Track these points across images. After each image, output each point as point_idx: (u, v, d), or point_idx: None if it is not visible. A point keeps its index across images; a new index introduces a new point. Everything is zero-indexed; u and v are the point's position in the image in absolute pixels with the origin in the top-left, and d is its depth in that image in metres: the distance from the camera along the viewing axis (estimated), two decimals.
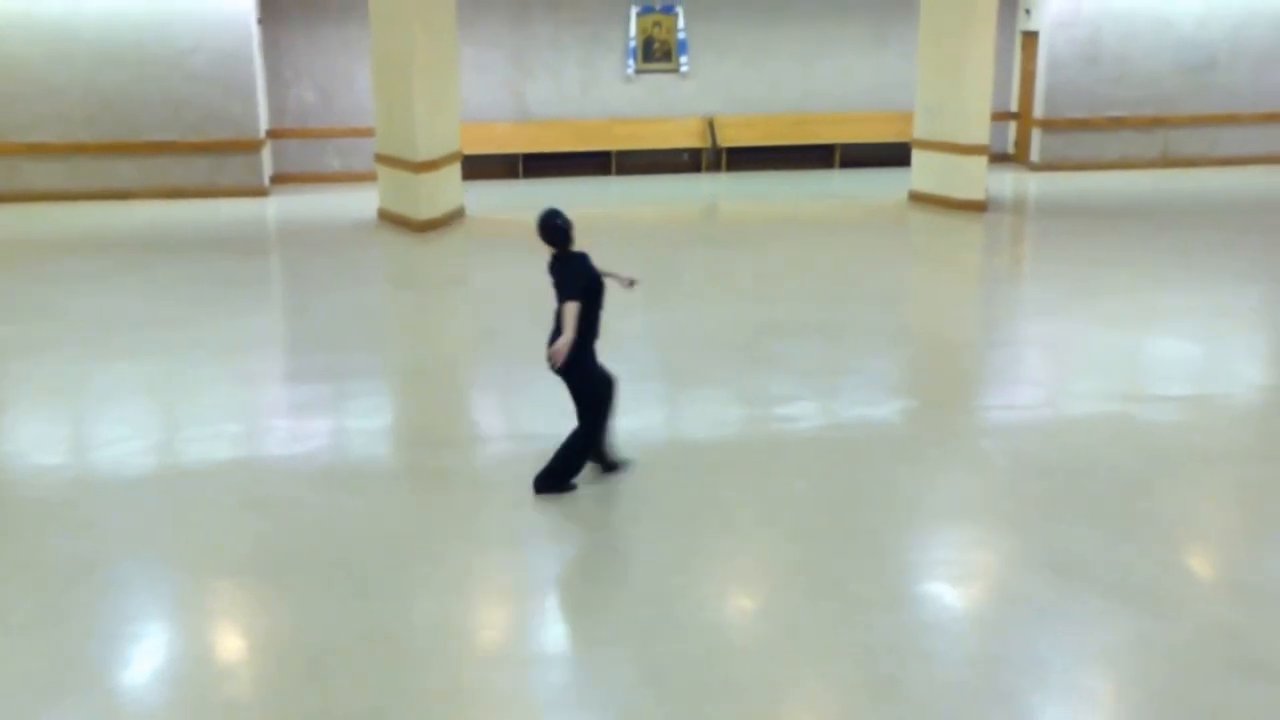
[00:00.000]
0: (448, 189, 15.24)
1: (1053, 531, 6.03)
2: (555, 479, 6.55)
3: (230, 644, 5.22)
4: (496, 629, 5.30)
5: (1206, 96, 19.49)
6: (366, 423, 7.87)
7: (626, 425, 7.71)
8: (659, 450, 7.20)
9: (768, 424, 7.69)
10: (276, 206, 16.66)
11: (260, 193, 17.43)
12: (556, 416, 7.87)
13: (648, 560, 5.77)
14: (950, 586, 5.55)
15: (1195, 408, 7.94)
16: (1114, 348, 9.37)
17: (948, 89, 15.76)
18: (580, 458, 6.60)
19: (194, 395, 8.40)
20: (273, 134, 18.34)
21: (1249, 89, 19.60)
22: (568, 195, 17.77)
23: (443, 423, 7.95)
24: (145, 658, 5.00)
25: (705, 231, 15.69)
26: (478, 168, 18.66)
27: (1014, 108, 20.42)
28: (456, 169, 15.57)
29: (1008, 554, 5.84)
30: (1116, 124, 19.38)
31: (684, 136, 19.45)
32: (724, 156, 19.60)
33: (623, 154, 19.33)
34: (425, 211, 14.62)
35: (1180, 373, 8.80)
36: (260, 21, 17.77)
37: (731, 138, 19.47)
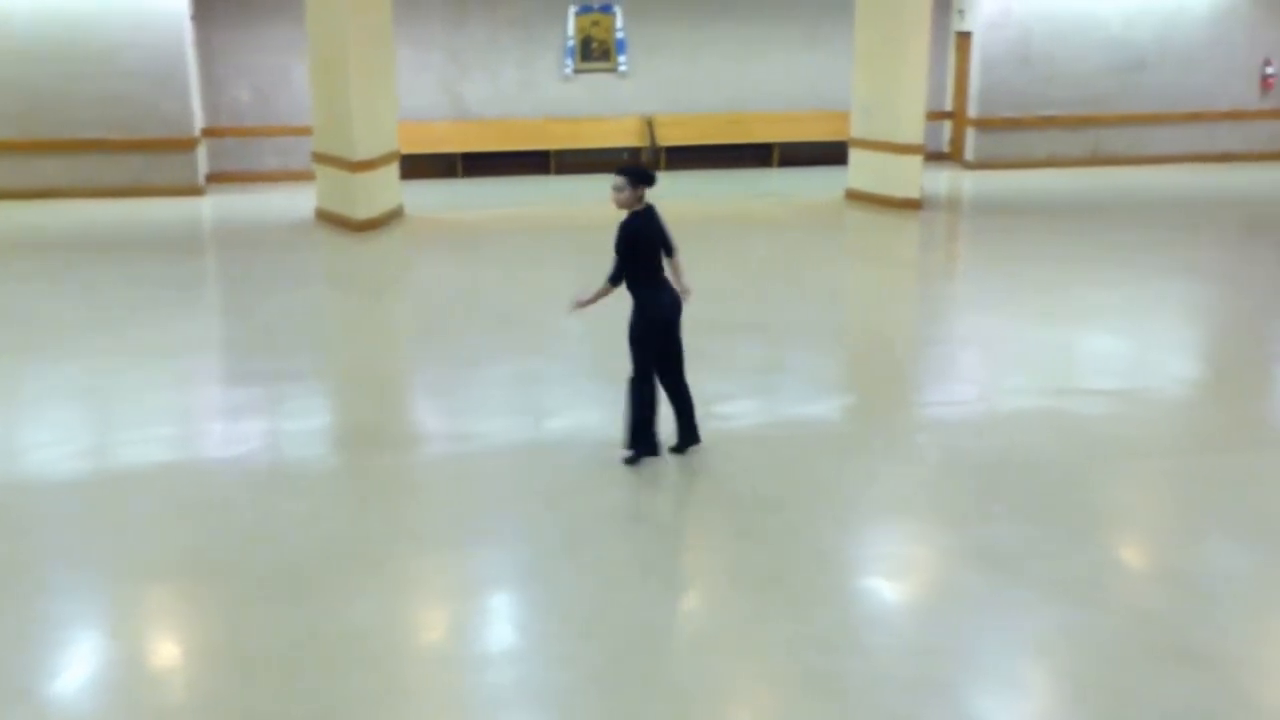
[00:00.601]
0: (386, 188, 15.12)
1: (987, 525, 6.11)
2: (632, 436, 6.73)
3: (164, 650, 5.14)
4: (437, 630, 5.27)
5: (1135, 96, 19.85)
6: (304, 424, 7.79)
7: (562, 426, 7.71)
8: (597, 450, 7.21)
9: (706, 422, 7.70)
10: (212, 206, 16.43)
11: (195, 192, 17.18)
12: (495, 416, 7.84)
13: (587, 560, 5.76)
14: (887, 581, 5.60)
15: (1125, 401, 8.09)
16: (1046, 343, 9.51)
17: (883, 88, 15.90)
18: (639, 408, 6.67)
19: (129, 398, 8.26)
20: (208, 132, 18.08)
21: (1176, 89, 19.99)
22: (507, 194, 17.74)
23: (382, 424, 7.90)
24: (76, 665, 4.92)
25: None
26: (416, 167, 18.53)
27: (949, 107, 20.66)
28: (394, 168, 15.45)
29: (944, 548, 5.91)
30: (1048, 123, 19.68)
31: (623, 135, 19.46)
32: (663, 155, 19.63)
33: (562, 153, 19.30)
34: (363, 211, 14.50)
35: (1111, 367, 8.96)
36: (194, 18, 17.52)
37: (670, 136, 19.51)
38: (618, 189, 6.71)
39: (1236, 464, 6.94)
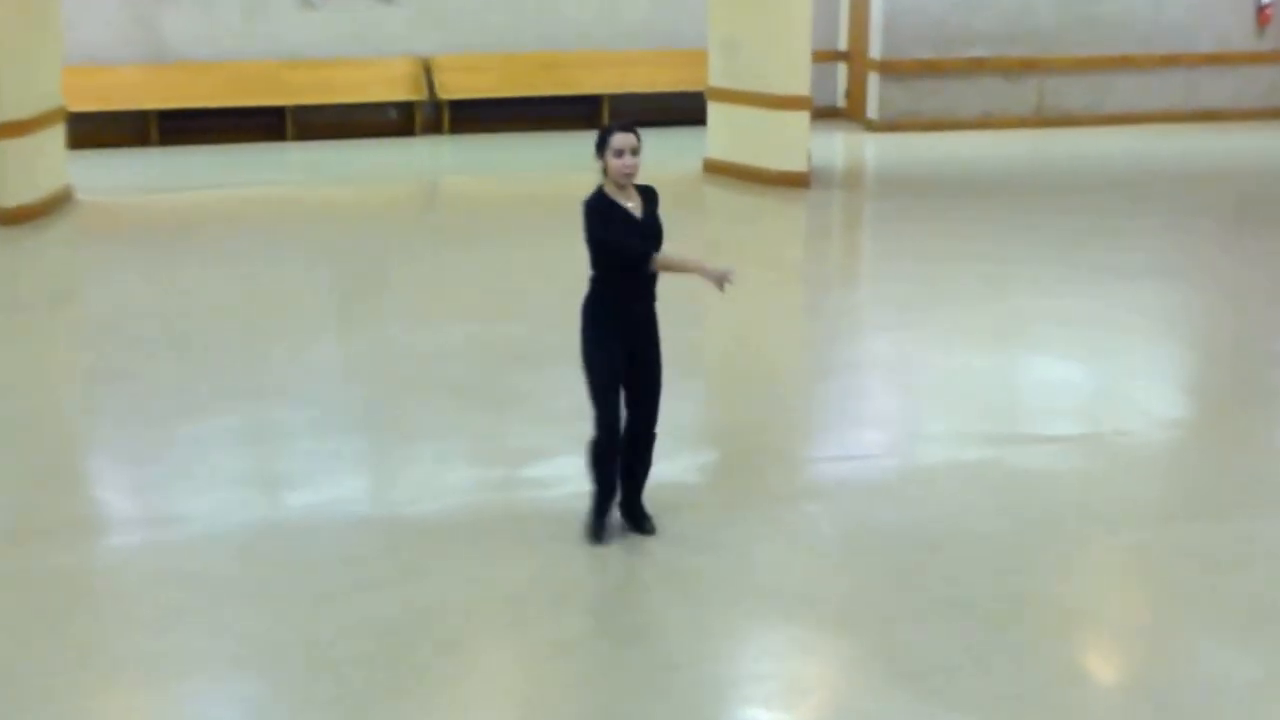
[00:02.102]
0: (46, 162, 14.76)
1: (901, 626, 6.22)
2: (594, 504, 7.01)
3: None
4: None
5: (1091, 33, 20.52)
6: None
7: (309, 501, 7.63)
8: (359, 533, 7.13)
9: (511, 490, 7.71)
10: None
11: None
12: (212, 489, 7.71)
13: (331, 694, 5.71)
14: (765, 710, 5.67)
15: (1085, 451, 8.35)
16: (979, 373, 9.79)
17: (752, 18, 16.15)
18: (594, 466, 6.96)
19: None
20: None
21: (1144, 24, 20.75)
22: (225, 169, 17.46)
23: (50, 506, 7.69)
24: None
25: (421, 221, 15.66)
26: (92, 131, 18.11)
27: (843, 45, 21.14)
28: (59, 133, 15.11)
29: (842, 660, 6.00)
30: (977, 67, 20.24)
31: (390, 86, 19.39)
32: (446, 113, 19.61)
33: (303, 110, 19.10)
34: (12, 195, 14.12)
35: (1065, 405, 9.25)
36: None
37: (457, 86, 19.52)
38: (636, 152, 6.81)
39: (1232, 535, 7.19)
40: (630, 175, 6.79)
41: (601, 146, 6.78)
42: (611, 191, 6.83)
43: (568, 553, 6.93)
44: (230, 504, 7.56)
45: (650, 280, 6.90)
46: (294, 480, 7.99)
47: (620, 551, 6.95)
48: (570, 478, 7.89)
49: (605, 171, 6.81)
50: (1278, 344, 10.70)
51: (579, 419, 8.76)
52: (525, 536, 7.12)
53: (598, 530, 7.01)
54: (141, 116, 18.69)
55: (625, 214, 6.82)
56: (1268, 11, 21.14)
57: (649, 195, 6.95)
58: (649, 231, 6.87)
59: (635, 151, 6.78)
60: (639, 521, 7.12)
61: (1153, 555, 7.04)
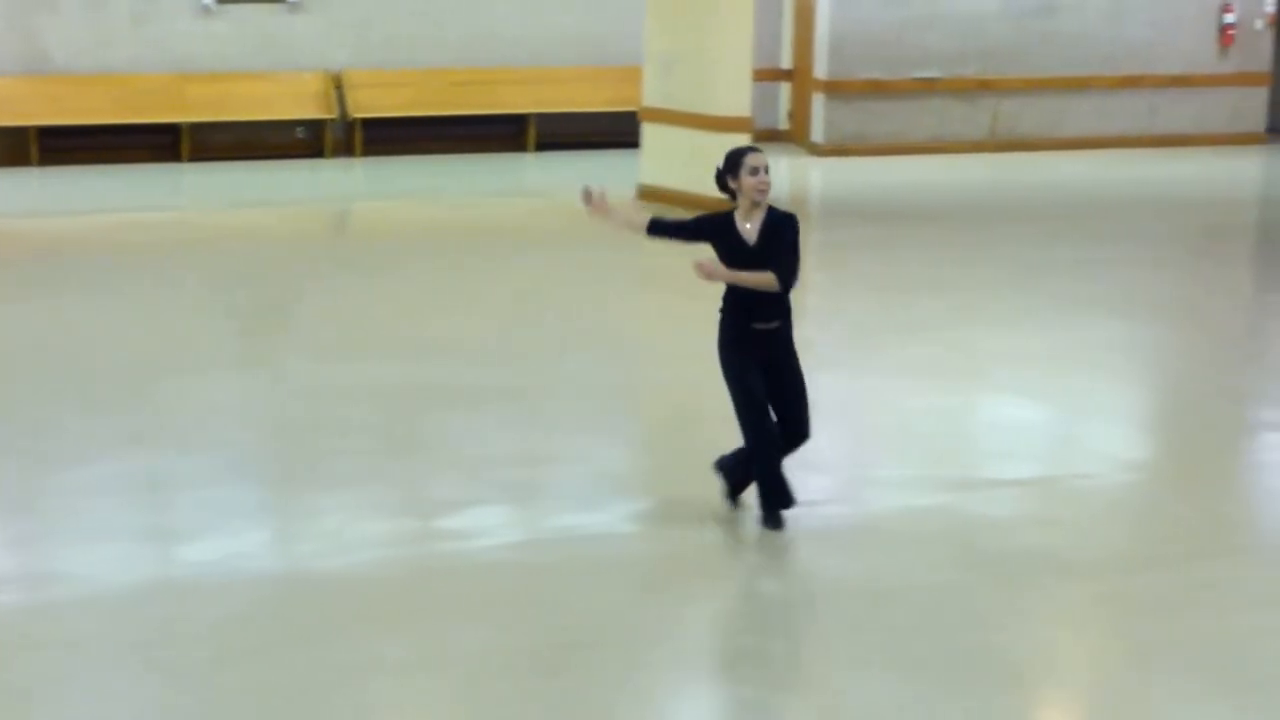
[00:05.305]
0: None
1: (849, 686, 6.20)
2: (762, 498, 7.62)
3: None
4: None
5: (1047, 53, 20.75)
6: None
7: (204, 557, 7.52)
8: (258, 591, 7.05)
9: (430, 544, 7.65)
10: None
11: None
12: (94, 542, 7.59)
13: None
14: None
15: (1044, 497, 8.39)
16: (931, 413, 9.81)
17: (690, 33, 16.19)
18: (758, 465, 7.58)
19: None
20: None
21: (1103, 44, 21.01)
22: (112, 191, 17.32)
23: None
24: None
25: (330, 250, 15.57)
26: None
27: (787, 64, 21.25)
28: None
29: None
30: (928, 88, 20.41)
31: (297, 102, 19.32)
32: (358, 133, 19.55)
33: (201, 128, 19.01)
34: None
35: (1022, 447, 9.30)
36: None
37: (369, 104, 19.46)
38: (769, 170, 7.35)
39: (1190, 582, 7.24)
40: (765, 193, 7.30)
41: (736, 166, 7.30)
42: (739, 215, 7.39)
43: (488, 611, 6.87)
44: (115, 560, 7.43)
45: (770, 301, 7.39)
46: (186, 533, 7.86)
47: (549, 611, 6.90)
48: (493, 529, 7.84)
49: (736, 193, 7.34)
50: (1240, 380, 10.79)
51: (503, 464, 8.74)
52: (443, 593, 7.05)
53: (781, 504, 7.61)
54: (19, 133, 18.50)
55: (740, 240, 7.35)
56: (1230, 31, 21.44)
57: (781, 222, 7.40)
58: (762, 258, 7.31)
59: (768, 169, 7.32)
60: (735, 497, 7.82)
61: (1110, 605, 7.07)
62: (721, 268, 7.35)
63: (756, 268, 7.29)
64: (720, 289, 7.43)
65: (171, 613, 6.83)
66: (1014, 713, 6.07)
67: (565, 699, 6.11)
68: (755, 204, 7.31)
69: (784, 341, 7.52)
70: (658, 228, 7.66)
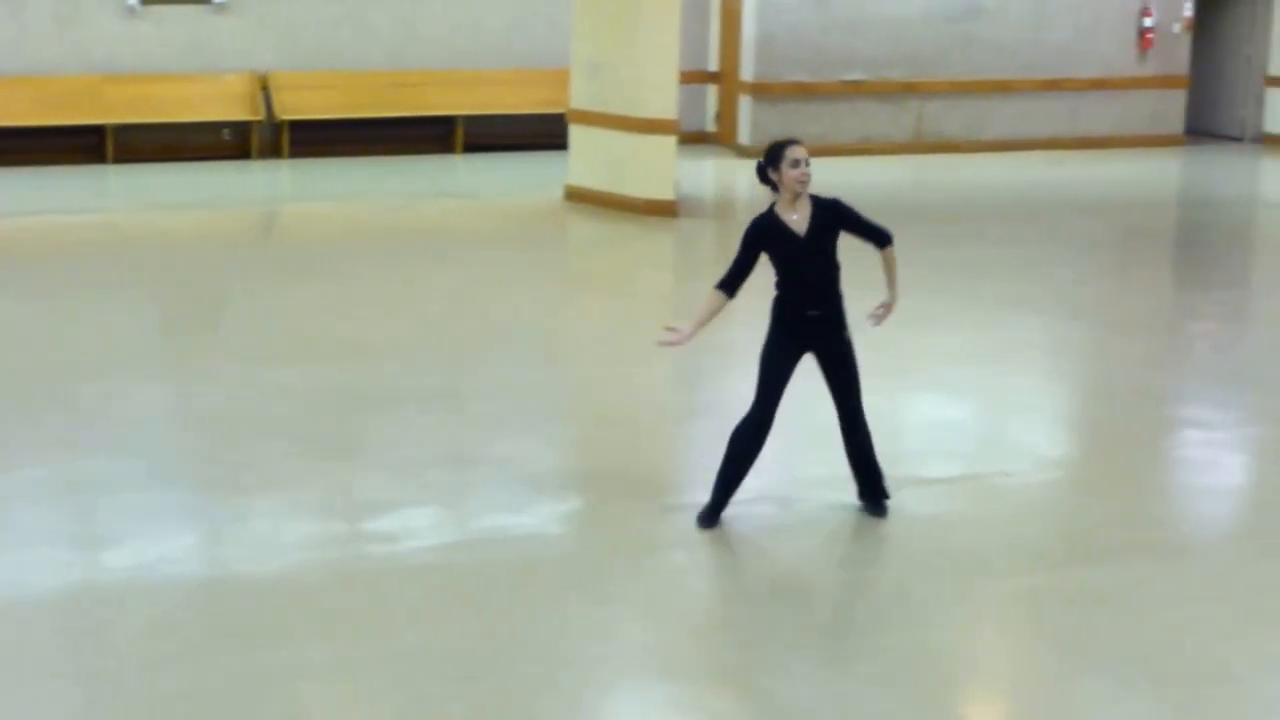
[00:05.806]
0: None
1: (777, 680, 6.24)
2: (716, 485, 7.77)
3: None
4: None
5: (970, 57, 20.94)
6: None
7: (129, 561, 7.46)
8: (189, 595, 7.01)
9: (357, 546, 7.63)
10: None
11: None
12: (15, 549, 7.52)
13: None
14: None
15: (970, 494, 8.47)
16: None
17: (617, 36, 16.22)
18: (730, 445, 7.72)
19: None
20: None
21: (1025, 47, 21.22)
22: (35, 193, 17.16)
23: None
24: None
25: (256, 253, 15.47)
26: None
27: (713, 66, 21.30)
28: None
29: (714, 718, 6.02)
30: (854, 91, 20.52)
31: (223, 104, 19.20)
32: (285, 134, 19.45)
33: (126, 130, 18.86)
34: None
35: (948, 445, 9.37)
36: None
37: (297, 106, 19.37)
38: (809, 162, 7.50)
39: (1114, 578, 7.34)
40: (806, 184, 7.47)
41: (776, 159, 7.49)
42: (781, 208, 7.55)
43: (416, 612, 6.86)
44: (40, 566, 7.36)
45: (823, 288, 7.71)
46: (112, 538, 7.80)
47: (476, 612, 6.90)
48: (422, 530, 7.83)
49: (778, 185, 7.51)
50: (1160, 378, 10.90)
51: (431, 467, 8.73)
52: (371, 595, 7.03)
53: (711, 516, 7.68)
54: None
55: (789, 233, 7.54)
56: (1149, 35, 21.69)
57: (831, 207, 7.62)
58: (814, 248, 7.56)
59: (809, 161, 7.48)
60: (876, 497, 7.91)
61: (1036, 601, 7.15)
62: (685, 328, 7.72)
63: (810, 257, 7.53)
64: (770, 276, 7.67)
65: (98, 618, 6.79)
66: (941, 709, 6.11)
67: (493, 699, 6.11)
68: (797, 195, 7.48)
69: (836, 328, 7.80)
70: (731, 285, 7.71)
